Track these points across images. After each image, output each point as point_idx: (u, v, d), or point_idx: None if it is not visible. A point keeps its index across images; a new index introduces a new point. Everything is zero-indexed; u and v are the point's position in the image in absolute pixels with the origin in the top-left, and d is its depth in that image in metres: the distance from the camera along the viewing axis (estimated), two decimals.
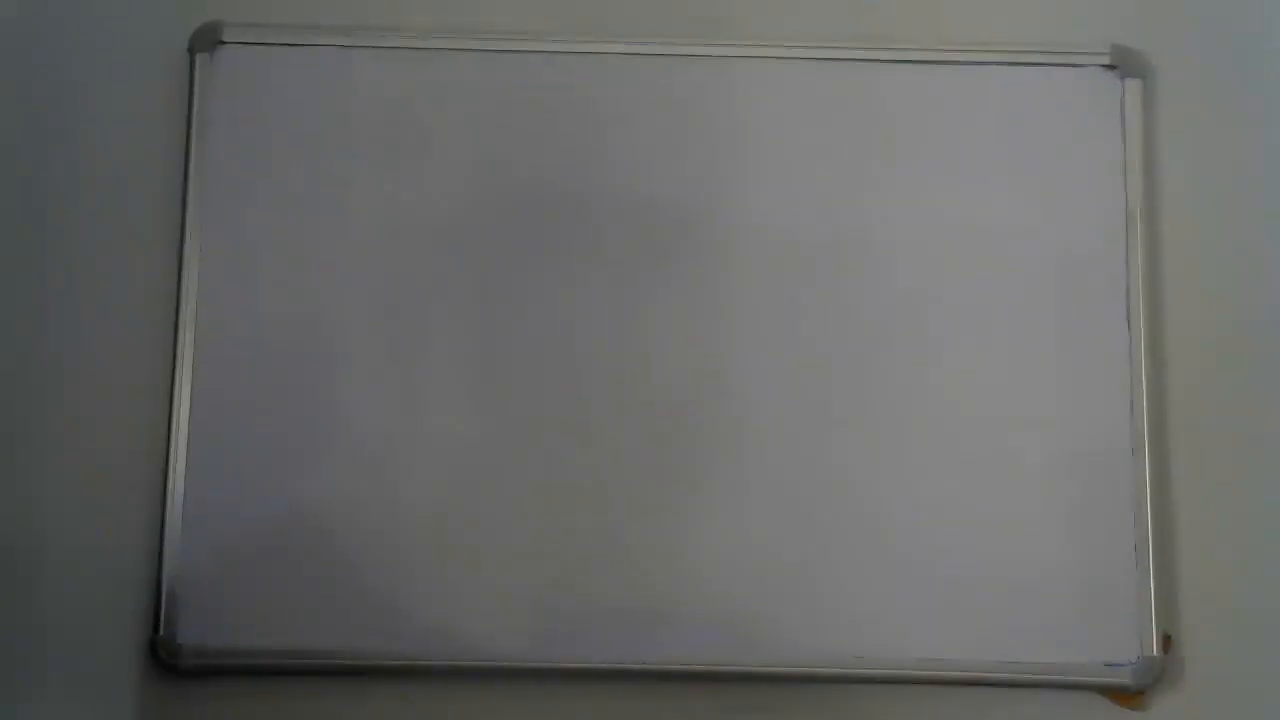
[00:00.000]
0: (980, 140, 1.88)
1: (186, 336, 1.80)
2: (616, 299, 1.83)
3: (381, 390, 1.81)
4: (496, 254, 1.84)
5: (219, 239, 1.82)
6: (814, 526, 1.79)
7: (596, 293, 1.83)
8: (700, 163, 1.86)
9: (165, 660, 1.74)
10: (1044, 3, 1.94)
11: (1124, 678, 1.77)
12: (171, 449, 1.78)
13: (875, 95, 1.88)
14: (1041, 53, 1.89)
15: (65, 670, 1.76)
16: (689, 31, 1.90)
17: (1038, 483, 1.81)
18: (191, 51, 1.86)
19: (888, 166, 1.87)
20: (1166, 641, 1.79)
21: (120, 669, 1.77)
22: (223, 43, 1.86)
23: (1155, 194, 1.89)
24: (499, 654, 1.76)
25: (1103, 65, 1.89)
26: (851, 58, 1.89)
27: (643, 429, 1.81)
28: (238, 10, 1.88)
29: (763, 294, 1.84)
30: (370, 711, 1.78)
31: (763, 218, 1.85)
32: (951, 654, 1.77)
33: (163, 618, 1.75)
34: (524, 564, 1.78)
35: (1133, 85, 1.89)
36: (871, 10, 1.93)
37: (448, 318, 1.83)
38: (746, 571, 1.78)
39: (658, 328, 1.83)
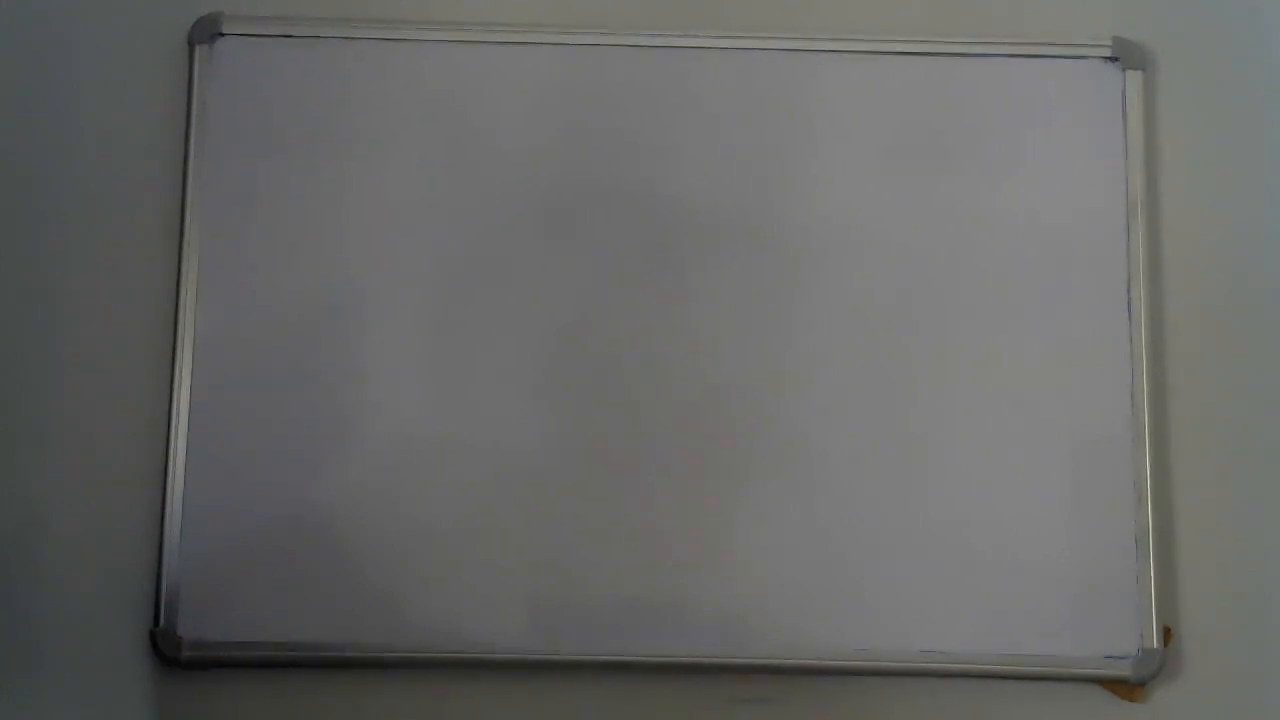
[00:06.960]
0: (982, 131, 1.87)
1: (186, 324, 1.80)
2: (621, 294, 1.84)
3: (381, 387, 1.81)
4: (502, 249, 1.84)
5: (219, 231, 1.82)
6: (814, 520, 1.79)
7: (610, 288, 1.84)
8: (710, 155, 1.86)
9: (165, 653, 1.75)
10: None
11: (1124, 670, 1.77)
12: (172, 443, 1.78)
13: (876, 86, 1.88)
14: (1044, 45, 1.89)
15: (66, 662, 1.76)
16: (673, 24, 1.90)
17: (1038, 475, 1.81)
18: (191, 43, 1.86)
19: (889, 157, 1.87)
20: (1167, 634, 1.79)
21: (121, 661, 1.77)
22: (222, 34, 1.86)
23: (1156, 185, 1.89)
24: (500, 647, 1.76)
25: (1104, 57, 1.89)
26: (854, 50, 1.89)
27: (644, 427, 1.81)
28: (237, 2, 1.87)
29: (774, 287, 1.84)
30: (370, 704, 1.78)
31: (773, 209, 1.85)
32: (952, 646, 1.77)
33: (163, 610, 1.75)
34: (523, 556, 1.78)
35: (1134, 77, 1.89)
36: (872, 3, 1.93)
37: (452, 313, 1.83)
38: (749, 565, 1.78)
39: (652, 327, 1.83)
